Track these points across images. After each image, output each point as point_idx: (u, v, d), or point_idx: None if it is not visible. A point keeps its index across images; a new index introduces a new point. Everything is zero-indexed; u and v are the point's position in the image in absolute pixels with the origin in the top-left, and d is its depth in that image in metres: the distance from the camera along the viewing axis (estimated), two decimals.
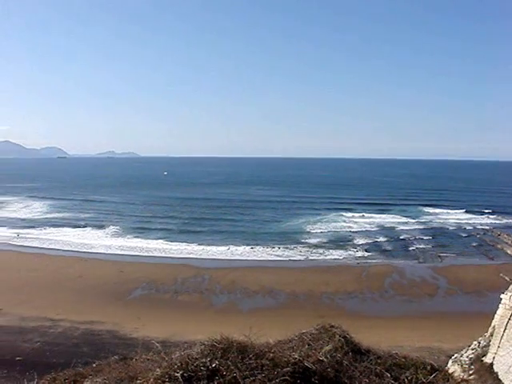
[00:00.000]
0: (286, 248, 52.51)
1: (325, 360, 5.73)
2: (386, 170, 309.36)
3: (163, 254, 49.63)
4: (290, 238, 58.42)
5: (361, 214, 79.00)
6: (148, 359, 5.72)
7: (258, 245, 53.89)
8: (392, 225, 69.75)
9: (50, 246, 53.18)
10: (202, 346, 5.19)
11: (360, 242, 56.27)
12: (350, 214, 79.33)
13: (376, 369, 5.88)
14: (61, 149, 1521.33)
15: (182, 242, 55.04)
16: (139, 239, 57.29)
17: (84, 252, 50.55)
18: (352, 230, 65.14)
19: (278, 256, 49.43)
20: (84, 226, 65.70)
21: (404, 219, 75.37)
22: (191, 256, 48.82)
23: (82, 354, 23.35)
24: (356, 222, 71.08)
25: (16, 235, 59.81)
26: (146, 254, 50.01)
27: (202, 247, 52.42)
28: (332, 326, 7.07)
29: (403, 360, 6.35)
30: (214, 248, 52.10)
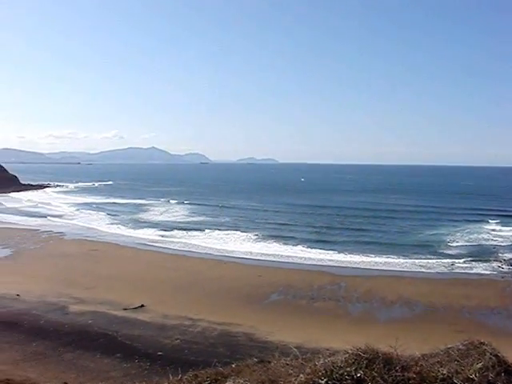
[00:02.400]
0: (424, 259, 50.38)
1: (475, 379, 5.25)
2: None
3: (300, 261, 49.56)
4: (428, 248, 55.90)
5: (509, 228, 73.76)
6: (287, 364, 5.61)
7: (393, 254, 52.26)
8: None
9: (191, 249, 55.16)
10: (347, 355, 4.97)
11: (506, 256, 52.59)
12: (492, 226, 74.33)
13: None
14: (203, 155, 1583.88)
15: (318, 249, 54.62)
16: (277, 244, 57.69)
17: (223, 255, 51.87)
18: (496, 242, 60.92)
19: (415, 266, 47.64)
20: (223, 230, 67.46)
21: None
22: (328, 263, 48.25)
23: (219, 354, 23.81)
24: (501, 235, 66.55)
25: (160, 237, 63.03)
26: (283, 259, 50.25)
27: (338, 255, 51.72)
28: (481, 343, 6.49)
29: None
30: (350, 256, 51.18)
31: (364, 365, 4.80)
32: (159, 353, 24.22)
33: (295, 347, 6.42)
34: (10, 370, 21.15)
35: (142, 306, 32.40)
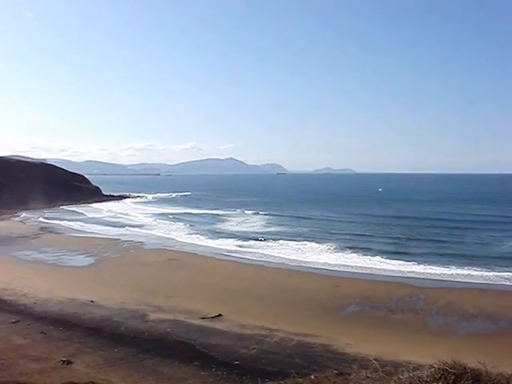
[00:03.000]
0: (508, 271, 48.12)
1: None
2: None
3: (378, 272, 48.68)
4: None
5: None
6: (368, 377, 5.49)
7: (475, 266, 50.30)
8: None
9: (268, 259, 55.25)
10: (432, 369, 4.79)
11: None
12: None
13: None
14: (280, 165, 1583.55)
15: (397, 260, 53.44)
16: (355, 255, 56.87)
17: (300, 266, 51.63)
18: None
19: (498, 279, 45.67)
20: (300, 241, 67.27)
21: None
22: (407, 275, 47.15)
23: (295, 365, 23.65)
24: None
25: (237, 247, 63.60)
26: (360, 270, 49.49)
27: (417, 266, 50.39)
28: None
29: None
30: (430, 268, 49.73)
31: (451, 380, 4.61)
32: (236, 362, 24.32)
33: (373, 359, 6.30)
34: (93, 374, 21.86)
35: (220, 315, 32.67)
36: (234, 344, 27.16)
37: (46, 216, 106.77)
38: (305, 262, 53.23)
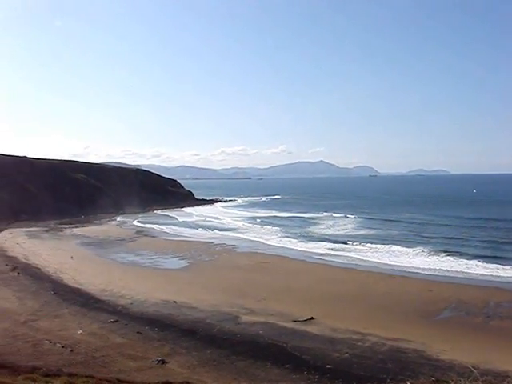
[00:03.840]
0: None
1: None
2: None
3: (474, 276, 46.74)
4: None
5: None
6: None
7: None
8: None
9: (359, 263, 54.47)
10: None
11: None
12: None
13: None
14: (372, 167, 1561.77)
15: (494, 264, 51.30)
16: (449, 258, 55.12)
17: (391, 269, 50.65)
18: None
19: None
20: (390, 244, 65.91)
21: None
22: (506, 280, 45.09)
23: (388, 371, 23.19)
24: None
25: (328, 250, 63.11)
26: (455, 274, 47.82)
27: None
28: None
29: None
30: None
31: None
32: (328, 366, 24.13)
33: (472, 368, 5.99)
34: (187, 374, 22.36)
35: (312, 318, 32.55)
36: (326, 348, 26.97)
37: (140, 220, 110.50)
38: (397, 266, 52.11)
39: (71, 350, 24.82)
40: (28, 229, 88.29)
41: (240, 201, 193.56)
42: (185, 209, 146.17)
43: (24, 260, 54.59)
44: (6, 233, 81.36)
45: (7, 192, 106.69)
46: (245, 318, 32.99)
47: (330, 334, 29.42)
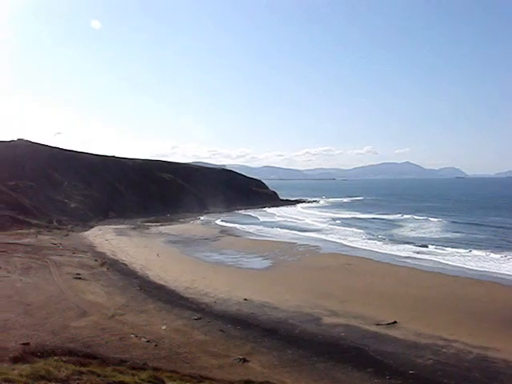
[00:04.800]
0: None
1: None
2: None
3: None
4: None
5: None
6: None
7: None
8: None
9: (444, 267, 52.91)
10: None
11: None
12: None
13: None
14: (459, 169, 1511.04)
15: None
16: None
17: (480, 274, 48.80)
18: None
19: None
20: (479, 249, 63.55)
21: None
22: None
23: (474, 380, 22.53)
24: None
25: (413, 253, 61.73)
26: None
27: None
28: None
29: None
30: None
31: None
32: (411, 371, 23.64)
33: None
34: (268, 373, 22.52)
35: (395, 322, 31.97)
36: (409, 353, 26.40)
37: (223, 219, 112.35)
38: (485, 271, 50.21)
39: (155, 345, 25.55)
40: (116, 226, 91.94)
41: (322, 202, 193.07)
42: (269, 209, 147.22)
43: (112, 256, 56.74)
44: (95, 229, 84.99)
45: (98, 190, 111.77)
46: (327, 320, 32.85)
47: (413, 339, 28.76)
